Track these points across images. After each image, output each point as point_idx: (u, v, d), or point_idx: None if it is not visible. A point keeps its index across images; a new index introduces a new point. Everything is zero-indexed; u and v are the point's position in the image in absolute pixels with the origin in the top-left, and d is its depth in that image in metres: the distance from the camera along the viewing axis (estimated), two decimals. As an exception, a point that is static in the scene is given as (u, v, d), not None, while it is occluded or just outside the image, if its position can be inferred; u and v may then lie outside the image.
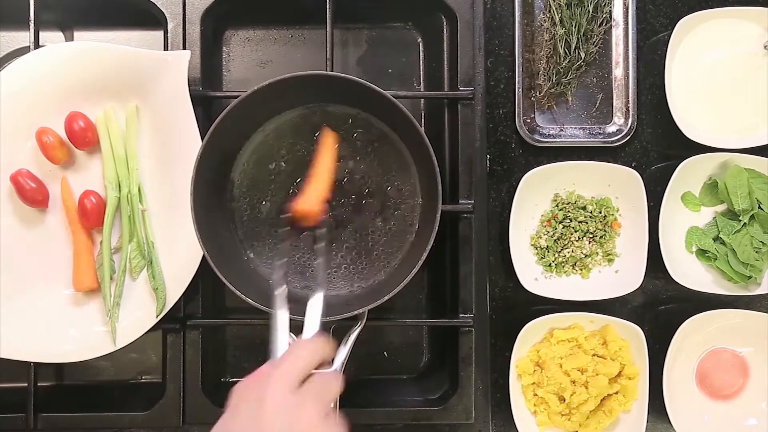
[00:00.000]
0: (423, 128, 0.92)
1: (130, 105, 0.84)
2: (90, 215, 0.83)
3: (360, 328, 0.76)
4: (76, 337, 0.82)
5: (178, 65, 0.81)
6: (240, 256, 0.81)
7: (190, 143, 0.80)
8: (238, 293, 0.72)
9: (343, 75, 0.75)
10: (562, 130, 0.92)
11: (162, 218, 0.84)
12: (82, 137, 0.83)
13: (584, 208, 0.90)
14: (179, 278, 0.81)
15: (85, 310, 0.84)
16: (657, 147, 0.92)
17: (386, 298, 0.73)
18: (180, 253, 0.82)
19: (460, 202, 0.85)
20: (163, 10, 0.85)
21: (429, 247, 0.73)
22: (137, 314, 0.82)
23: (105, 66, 0.82)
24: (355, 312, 0.74)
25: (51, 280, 0.84)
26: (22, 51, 0.89)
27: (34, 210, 0.84)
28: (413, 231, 0.82)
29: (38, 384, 0.84)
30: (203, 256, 0.73)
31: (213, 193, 0.79)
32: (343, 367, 0.74)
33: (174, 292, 0.81)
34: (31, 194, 0.83)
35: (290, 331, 0.75)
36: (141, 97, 0.84)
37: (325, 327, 0.85)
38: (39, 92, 0.82)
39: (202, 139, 0.74)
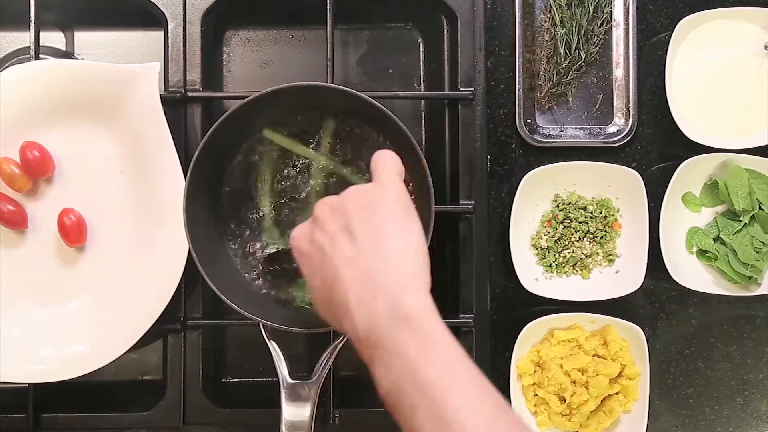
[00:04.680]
0: (423, 129, 0.93)
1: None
2: (71, 233, 0.82)
3: (343, 342, 0.76)
4: (49, 357, 0.81)
5: (148, 77, 0.80)
6: (235, 269, 0.81)
7: (166, 156, 0.80)
8: (237, 308, 0.71)
9: (332, 86, 0.74)
10: (562, 131, 0.92)
11: (144, 229, 0.83)
12: (39, 167, 0.82)
13: (585, 209, 0.90)
14: (162, 291, 0.80)
15: (59, 329, 0.83)
16: (657, 147, 0.92)
17: None
18: (163, 268, 0.81)
19: (460, 202, 0.85)
20: (163, 10, 0.85)
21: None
22: (137, 316, 0.82)
23: (69, 84, 0.80)
24: None
25: (30, 299, 0.84)
26: (22, 51, 0.89)
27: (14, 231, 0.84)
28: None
29: (39, 384, 0.84)
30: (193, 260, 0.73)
31: (205, 203, 0.77)
32: (322, 380, 0.74)
33: (162, 300, 0.81)
34: (10, 216, 0.82)
35: (274, 339, 0.75)
36: (112, 114, 0.82)
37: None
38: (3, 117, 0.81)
39: (182, 148, 0.73)
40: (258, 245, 0.81)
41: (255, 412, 0.85)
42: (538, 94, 0.92)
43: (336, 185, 0.80)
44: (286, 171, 0.81)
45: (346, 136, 0.80)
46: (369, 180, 0.77)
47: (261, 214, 0.81)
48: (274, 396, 0.76)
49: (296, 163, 0.81)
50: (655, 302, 0.92)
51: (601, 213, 0.90)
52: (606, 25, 0.91)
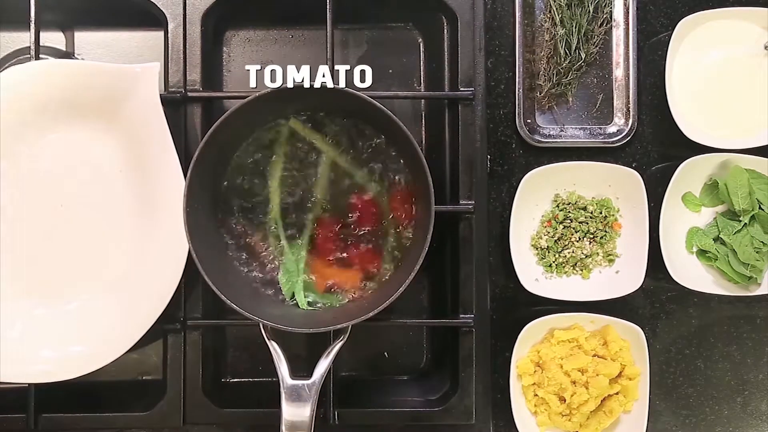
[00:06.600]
0: (423, 129, 0.93)
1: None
2: None
3: (343, 342, 0.76)
4: (49, 357, 0.81)
5: (148, 78, 0.80)
6: (235, 269, 0.81)
7: (166, 156, 0.80)
8: (237, 308, 0.72)
9: (332, 86, 0.75)
10: (562, 131, 0.92)
11: (144, 229, 0.83)
12: None
13: (585, 209, 0.90)
14: (162, 291, 0.80)
15: (59, 329, 0.83)
16: (657, 147, 0.92)
17: (373, 313, 0.72)
18: (163, 268, 0.81)
19: (460, 202, 0.85)
20: (163, 10, 0.85)
21: (418, 266, 0.72)
22: (137, 316, 0.82)
23: (69, 84, 0.80)
24: (340, 326, 0.74)
25: (30, 299, 0.84)
26: (22, 51, 0.89)
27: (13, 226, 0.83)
28: (406, 242, 0.81)
29: (39, 384, 0.84)
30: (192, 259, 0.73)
31: (205, 203, 0.78)
32: (322, 380, 0.74)
33: (162, 300, 0.81)
34: None
35: (274, 340, 0.75)
36: (112, 114, 0.82)
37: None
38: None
39: (182, 148, 0.73)
40: (259, 245, 0.81)
41: (255, 412, 0.85)
42: (538, 94, 0.92)
43: (340, 183, 0.81)
44: (290, 169, 0.81)
45: (349, 135, 0.81)
46: (369, 175, 0.78)
47: (264, 212, 0.81)
48: (274, 396, 0.76)
49: (301, 160, 0.81)
50: (655, 302, 0.92)
51: (601, 213, 0.90)
52: (606, 25, 0.91)
